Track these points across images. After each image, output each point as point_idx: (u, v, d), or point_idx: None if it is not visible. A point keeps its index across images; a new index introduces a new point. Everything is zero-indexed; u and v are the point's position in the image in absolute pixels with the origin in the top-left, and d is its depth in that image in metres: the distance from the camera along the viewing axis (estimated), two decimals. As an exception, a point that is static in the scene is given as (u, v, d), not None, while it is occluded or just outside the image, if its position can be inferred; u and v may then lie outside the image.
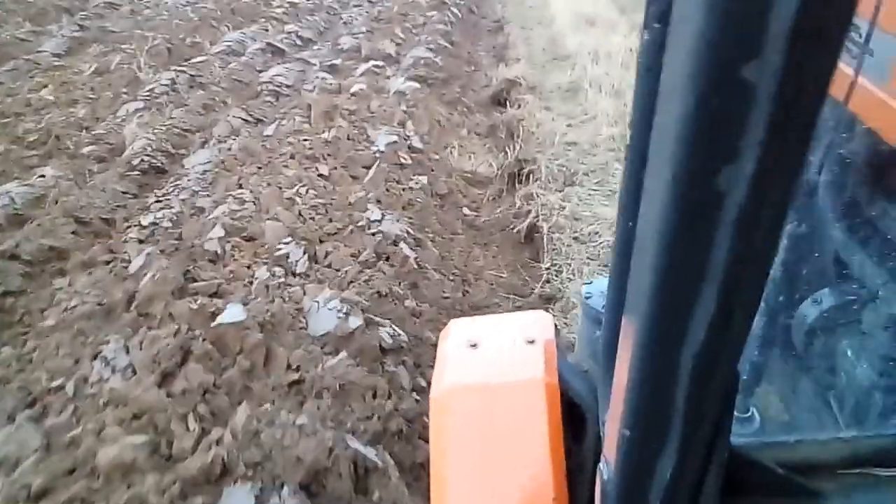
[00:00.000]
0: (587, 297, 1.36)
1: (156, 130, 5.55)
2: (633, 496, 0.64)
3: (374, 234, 4.21)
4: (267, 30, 8.75)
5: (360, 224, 4.31)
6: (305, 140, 5.40)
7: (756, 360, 1.68)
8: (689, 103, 0.41)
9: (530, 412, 0.99)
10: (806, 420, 1.59)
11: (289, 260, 3.88)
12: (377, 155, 5.20)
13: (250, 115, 6.02)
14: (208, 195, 4.69)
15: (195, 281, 3.71)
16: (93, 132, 5.56)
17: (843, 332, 1.46)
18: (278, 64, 7.43)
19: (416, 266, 4.02)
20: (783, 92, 0.39)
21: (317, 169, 4.95)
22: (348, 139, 5.53)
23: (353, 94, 6.42)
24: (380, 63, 7.38)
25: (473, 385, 1.07)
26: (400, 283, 3.87)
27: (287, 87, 6.80)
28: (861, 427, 1.37)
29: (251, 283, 3.70)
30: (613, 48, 8.20)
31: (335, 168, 5.04)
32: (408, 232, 4.34)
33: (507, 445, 0.99)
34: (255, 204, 4.49)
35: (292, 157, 5.15)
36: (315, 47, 8.21)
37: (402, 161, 5.22)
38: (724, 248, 0.46)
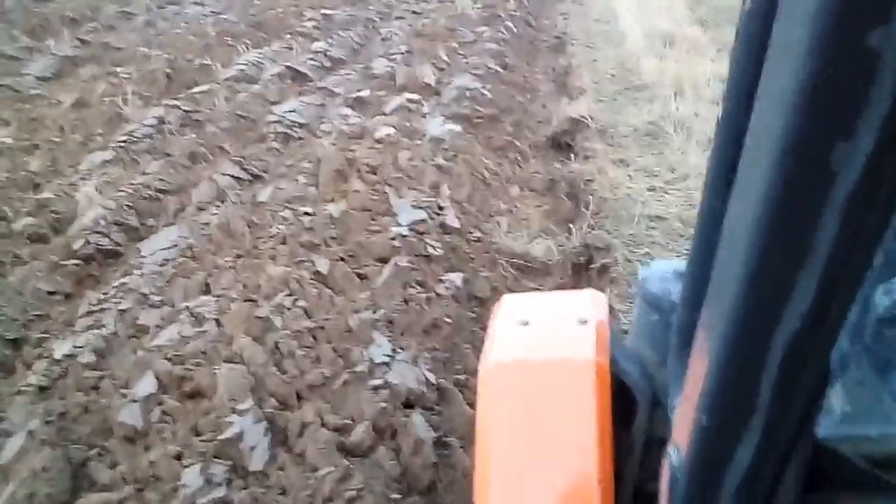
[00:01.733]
0: (645, 282, 1.11)
1: (119, 194, 4.23)
2: (706, 484, 0.59)
3: (376, 390, 2.79)
4: (291, 48, 7.40)
5: (358, 370, 2.89)
6: (306, 213, 4.01)
7: (845, 350, 1.37)
8: (804, 73, 0.38)
9: (579, 393, 0.93)
10: (869, 412, 1.31)
11: (240, 445, 2.49)
12: (397, 241, 3.78)
13: (245, 169, 4.67)
14: (159, 304, 3.33)
15: (88, 487, 2.36)
16: (41, 194, 4.27)
17: None
18: (296, 95, 6.07)
19: (434, 452, 2.60)
20: None
21: (313, 263, 3.56)
22: (363, 211, 4.12)
23: (377, 141, 5.00)
24: (415, 96, 5.94)
25: (522, 362, 1.03)
26: (408, 495, 2.45)
27: (300, 127, 5.43)
28: None
29: (173, 493, 2.33)
30: (699, 77, 6.62)
31: (339, 260, 3.64)
32: (428, 381, 2.92)
33: (553, 425, 0.94)
34: (217, 326, 3.12)
35: (284, 241, 3.76)
36: (343, 71, 6.82)
37: (430, 250, 3.79)
38: (829, 231, 0.42)
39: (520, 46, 8.39)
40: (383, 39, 8.10)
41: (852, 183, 0.40)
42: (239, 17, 8.50)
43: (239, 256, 3.67)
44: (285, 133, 5.27)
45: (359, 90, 6.22)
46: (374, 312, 3.24)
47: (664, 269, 1.07)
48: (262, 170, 4.73)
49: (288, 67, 6.64)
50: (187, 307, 3.23)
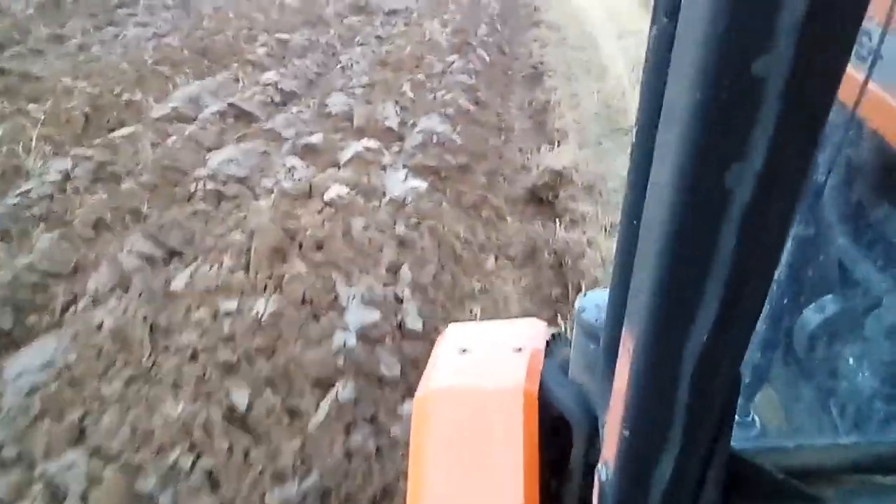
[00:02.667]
0: (581, 311, 1.07)
1: (-7, 282, 3.28)
2: (632, 497, 0.60)
3: None
4: (237, 80, 6.48)
5: (273, 589, 2.00)
6: (227, 313, 3.10)
7: (759, 363, 1.58)
8: (698, 99, 0.39)
9: (507, 419, 0.95)
10: (806, 426, 1.51)
11: None
12: (342, 358, 2.89)
13: (161, 242, 3.74)
14: (12, 462, 2.40)
15: None
16: None
17: (846, 339, 1.40)
18: (236, 140, 5.15)
19: None
20: (793, 87, 0.37)
21: (227, 394, 2.65)
22: (302, 304, 3.23)
23: (327, 204, 4.12)
24: (375, 144, 5.05)
25: (455, 389, 1.04)
26: None
27: (237, 182, 4.51)
28: (860, 434, 1.31)
29: None
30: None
31: (263, 387, 2.73)
32: None
33: (481, 450, 0.96)
34: (80, 506, 2.20)
35: (194, 356, 2.85)
36: (295, 108, 5.91)
37: (384, 369, 2.90)
38: (729, 247, 0.44)
39: (493, 78, 7.56)
40: (343, 69, 7.22)
41: (747, 200, 0.41)
42: (183, 41, 7.56)
43: (131, 380, 2.75)
44: (218, 191, 4.35)
45: (310, 133, 5.32)
46: (304, 477, 2.34)
47: (601, 298, 0.96)
48: (182, 242, 3.81)
49: (231, 105, 5.71)
50: (45, 473, 2.30)
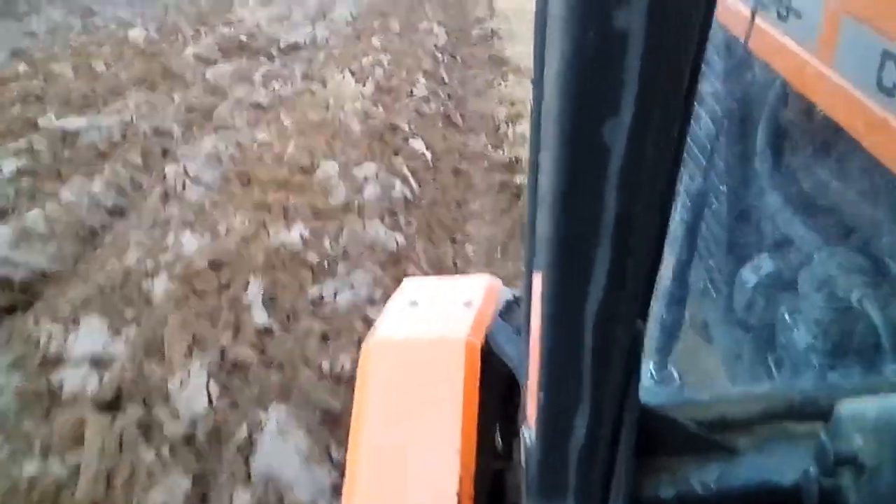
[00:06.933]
0: None
1: None
2: (553, 458, 0.58)
3: None
4: None
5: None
6: None
7: (668, 319, 1.55)
8: (567, 54, 0.37)
9: (447, 369, 0.91)
10: (747, 383, 1.49)
11: None
12: None
13: None
14: None
15: None
16: None
17: (781, 296, 1.41)
18: None
19: None
20: (651, 38, 0.35)
21: None
22: None
23: None
24: None
25: (397, 340, 0.99)
26: None
27: None
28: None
29: None
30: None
31: None
32: None
33: (420, 401, 0.91)
34: None
35: None
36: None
37: None
38: (612, 202, 0.41)
39: (438, 199, 4.05)
40: (163, 199, 3.63)
41: (621, 155, 0.39)
42: None
43: None
44: None
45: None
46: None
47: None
48: None
49: None
50: None
